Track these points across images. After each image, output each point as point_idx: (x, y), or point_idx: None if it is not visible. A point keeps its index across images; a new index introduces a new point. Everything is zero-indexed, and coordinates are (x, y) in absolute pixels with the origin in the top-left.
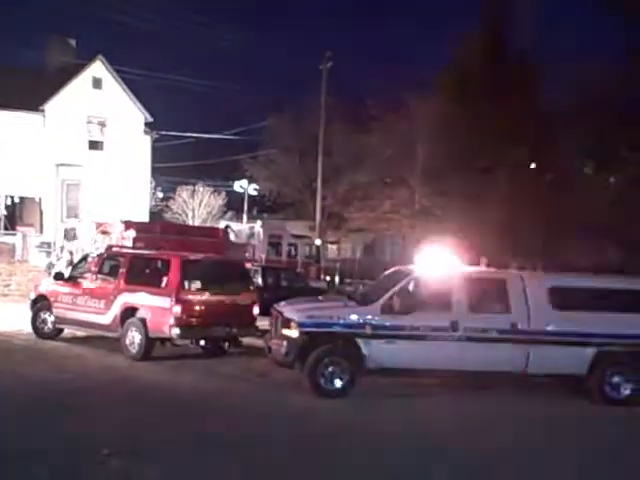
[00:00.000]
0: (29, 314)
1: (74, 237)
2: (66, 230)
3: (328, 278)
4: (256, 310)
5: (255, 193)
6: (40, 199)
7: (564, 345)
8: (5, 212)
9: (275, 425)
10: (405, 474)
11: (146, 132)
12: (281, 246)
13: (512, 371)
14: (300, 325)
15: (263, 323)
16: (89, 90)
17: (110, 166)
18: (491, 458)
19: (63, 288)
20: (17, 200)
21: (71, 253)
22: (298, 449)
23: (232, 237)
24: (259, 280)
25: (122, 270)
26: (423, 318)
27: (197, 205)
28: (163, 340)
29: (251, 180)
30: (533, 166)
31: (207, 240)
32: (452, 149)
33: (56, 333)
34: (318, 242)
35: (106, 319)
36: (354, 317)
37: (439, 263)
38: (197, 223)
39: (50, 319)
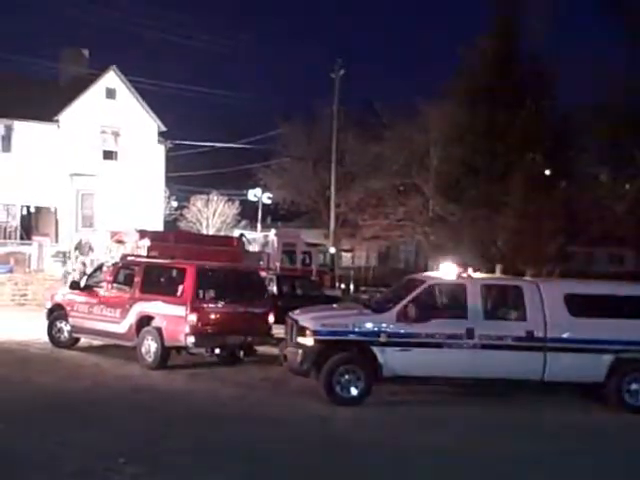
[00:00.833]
0: (45, 323)
1: (89, 250)
2: (79, 244)
3: (343, 286)
4: (271, 318)
5: (269, 202)
6: (55, 209)
7: (581, 352)
8: (21, 222)
9: (291, 433)
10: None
11: (160, 141)
12: (295, 254)
13: (529, 379)
14: (315, 333)
15: (278, 331)
16: (103, 100)
17: (124, 176)
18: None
19: (79, 297)
20: (33, 210)
21: (84, 264)
22: (314, 456)
23: (247, 246)
24: (274, 288)
25: (137, 279)
26: (438, 326)
27: (211, 214)
28: (179, 349)
29: (265, 189)
30: (548, 173)
31: (222, 249)
32: (466, 156)
33: (72, 342)
34: (332, 250)
35: (122, 328)
36: (369, 325)
37: (454, 271)
38: (211, 232)
39: (66, 328)
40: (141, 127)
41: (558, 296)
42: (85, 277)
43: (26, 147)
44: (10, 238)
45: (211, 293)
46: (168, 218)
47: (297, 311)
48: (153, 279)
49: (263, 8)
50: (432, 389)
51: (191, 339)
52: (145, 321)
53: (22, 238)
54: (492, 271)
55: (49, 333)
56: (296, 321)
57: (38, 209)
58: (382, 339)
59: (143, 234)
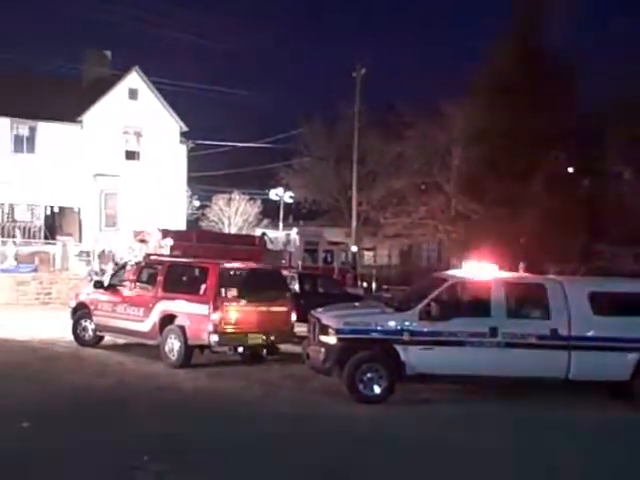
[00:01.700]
0: (70, 322)
1: (112, 260)
2: (102, 253)
3: (365, 284)
4: (293, 317)
5: (291, 200)
6: (79, 209)
7: (606, 351)
8: (45, 222)
9: (314, 431)
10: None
11: (182, 142)
12: (317, 253)
13: (553, 377)
14: (338, 332)
15: (300, 330)
16: (125, 101)
17: (147, 176)
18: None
19: (103, 296)
20: (57, 210)
21: (103, 271)
22: (335, 454)
23: (268, 244)
24: (296, 287)
25: (160, 278)
26: (461, 324)
27: (233, 213)
28: (202, 347)
29: (287, 188)
30: (571, 170)
31: (244, 248)
32: (487, 154)
33: (96, 341)
34: (354, 248)
35: (145, 327)
36: (392, 323)
37: (477, 269)
38: (233, 231)
39: (90, 327)
40: (163, 127)
41: (582, 294)
42: (109, 276)
43: (50, 148)
44: (34, 238)
45: (233, 292)
46: (190, 217)
47: (319, 309)
48: (176, 278)
49: (283, 7)
50: (456, 387)
51: (214, 337)
52: (168, 320)
53: (46, 238)
54: (515, 269)
55: (74, 332)
56: (318, 319)
57: (62, 209)
58: (405, 337)
59: (166, 233)
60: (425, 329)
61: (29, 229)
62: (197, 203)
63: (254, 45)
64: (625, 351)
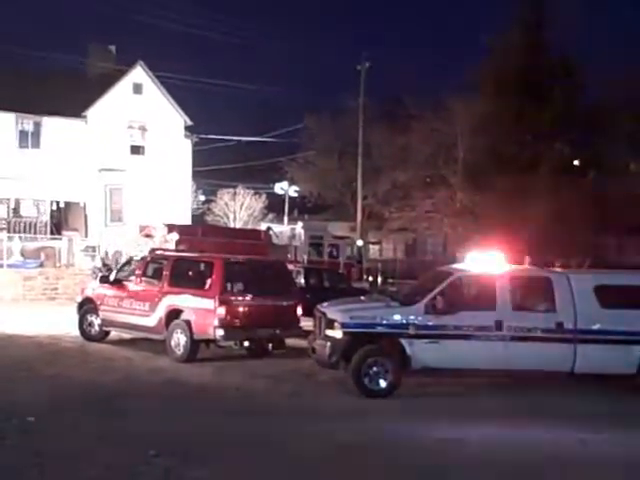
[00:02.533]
0: (76, 317)
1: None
2: (106, 256)
3: (370, 278)
4: (299, 311)
5: (296, 195)
6: (84, 204)
7: (612, 344)
8: (51, 217)
9: (321, 425)
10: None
11: (186, 136)
12: (323, 247)
13: (559, 370)
14: (343, 326)
15: (306, 324)
16: (130, 95)
17: (152, 170)
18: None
19: (109, 291)
20: (62, 205)
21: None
22: (343, 449)
23: (274, 239)
24: (301, 281)
25: (166, 273)
26: (467, 318)
27: (238, 207)
28: (208, 342)
29: (291, 182)
30: (577, 163)
31: (249, 242)
32: (492, 146)
33: (103, 335)
34: (359, 243)
35: (151, 321)
36: (397, 317)
37: (482, 262)
38: (238, 225)
39: (97, 322)
40: (168, 122)
41: (588, 287)
42: (115, 271)
43: (55, 143)
44: (40, 233)
45: (239, 286)
46: (195, 212)
47: (325, 304)
48: (181, 272)
49: (288, 1)
50: (462, 381)
51: (220, 332)
52: (174, 314)
53: (52, 233)
54: (520, 262)
55: (80, 327)
56: (324, 314)
57: (67, 204)
58: (410, 331)
59: (171, 228)
60: (431, 323)
61: (35, 224)
62: (202, 197)
63: (259, 39)
64: (631, 344)
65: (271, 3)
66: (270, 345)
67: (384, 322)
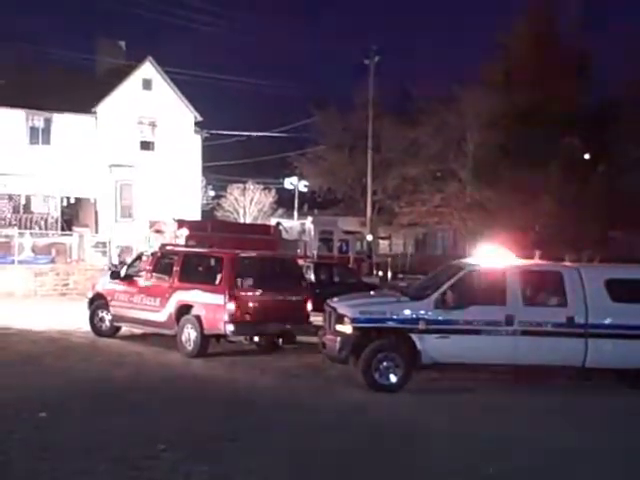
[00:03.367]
0: (87, 312)
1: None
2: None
3: (380, 273)
4: (309, 306)
5: (305, 190)
6: (95, 200)
7: (623, 338)
8: (61, 213)
9: (329, 420)
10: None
11: (196, 131)
12: (332, 242)
13: (570, 365)
14: (353, 320)
15: (316, 319)
16: (139, 91)
17: (161, 166)
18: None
19: (119, 287)
20: (73, 201)
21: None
22: (355, 443)
23: (283, 234)
24: (311, 276)
25: (176, 268)
26: (477, 312)
27: (248, 203)
28: (218, 337)
29: (301, 177)
30: (587, 157)
31: (259, 237)
32: (502, 140)
33: (113, 331)
34: (369, 237)
35: (161, 317)
36: (407, 312)
37: (492, 257)
38: (248, 221)
39: (107, 317)
40: (177, 117)
41: (599, 281)
42: (125, 267)
43: (65, 139)
44: (51, 229)
45: (249, 281)
46: (205, 207)
47: (335, 299)
48: (192, 268)
49: None
50: (472, 376)
51: (230, 327)
52: (184, 310)
53: (63, 229)
54: (531, 257)
55: (91, 322)
56: (334, 309)
57: (78, 200)
58: (420, 326)
59: (181, 224)
60: (441, 318)
61: (45, 220)
62: (212, 193)
63: (269, 34)
64: None
65: None
66: (280, 340)
67: (394, 317)
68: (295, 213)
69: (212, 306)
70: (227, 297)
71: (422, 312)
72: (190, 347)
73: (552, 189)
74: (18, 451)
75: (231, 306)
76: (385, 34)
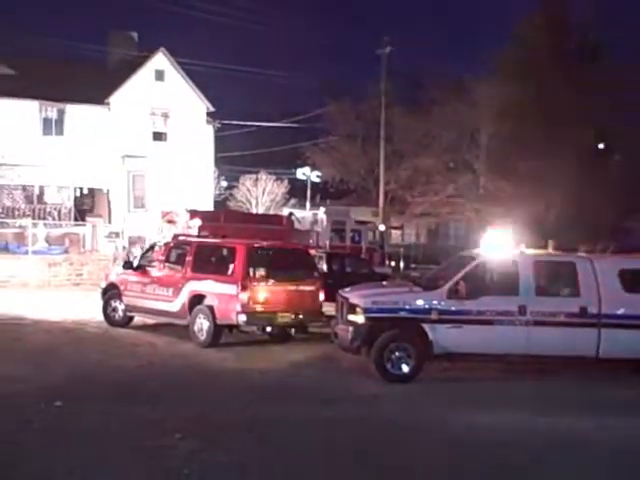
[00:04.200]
0: (100, 302)
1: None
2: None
3: (392, 263)
4: (321, 296)
5: (318, 180)
6: (108, 190)
7: (637, 329)
8: (75, 203)
9: (344, 409)
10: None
11: (208, 122)
12: (345, 232)
13: (583, 355)
14: (366, 311)
15: (328, 309)
16: (152, 82)
17: (174, 156)
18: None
19: (132, 277)
20: (86, 191)
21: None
22: (370, 433)
23: (296, 224)
24: (324, 266)
25: (189, 258)
26: (490, 303)
27: (260, 193)
28: (230, 327)
29: (313, 167)
30: (601, 146)
31: (271, 227)
32: (517, 130)
33: (127, 321)
34: (382, 228)
35: (174, 307)
36: (420, 302)
37: (505, 247)
38: (261, 211)
39: (120, 307)
40: (190, 108)
41: (612, 272)
42: (138, 257)
43: (78, 130)
44: (64, 219)
45: (261, 271)
46: (218, 198)
47: (347, 289)
48: (204, 258)
49: None
50: (485, 366)
51: (242, 317)
52: (197, 300)
53: (76, 219)
54: (544, 247)
55: (104, 312)
56: (346, 299)
57: (91, 190)
58: (433, 316)
59: (194, 214)
60: (453, 308)
61: (59, 211)
62: (224, 183)
63: (281, 24)
64: None
65: None
66: (293, 330)
67: (406, 307)
68: (307, 203)
69: (225, 296)
70: (240, 287)
71: (434, 302)
72: (203, 337)
73: (566, 179)
74: (35, 440)
75: (244, 296)
76: (398, 24)
